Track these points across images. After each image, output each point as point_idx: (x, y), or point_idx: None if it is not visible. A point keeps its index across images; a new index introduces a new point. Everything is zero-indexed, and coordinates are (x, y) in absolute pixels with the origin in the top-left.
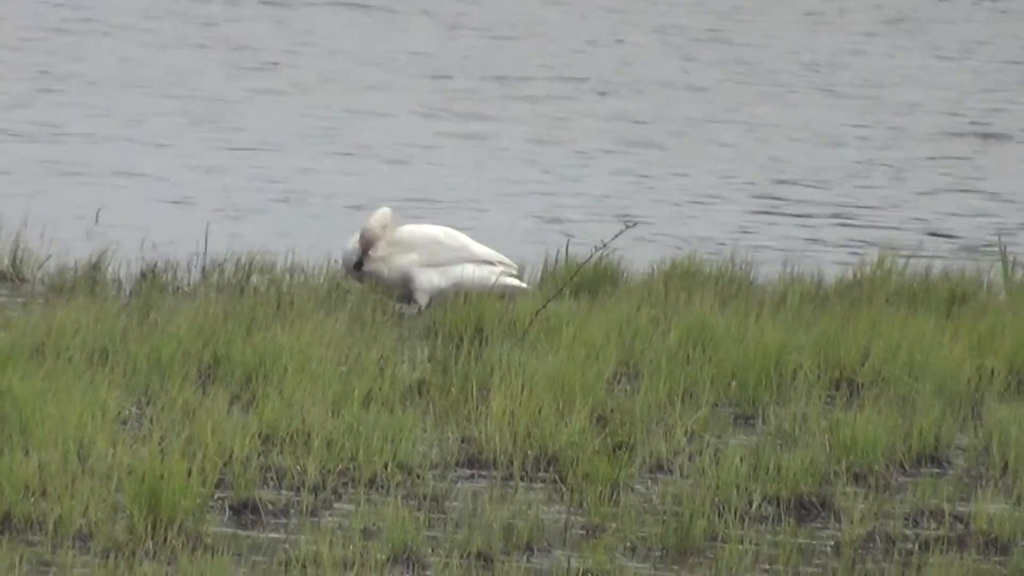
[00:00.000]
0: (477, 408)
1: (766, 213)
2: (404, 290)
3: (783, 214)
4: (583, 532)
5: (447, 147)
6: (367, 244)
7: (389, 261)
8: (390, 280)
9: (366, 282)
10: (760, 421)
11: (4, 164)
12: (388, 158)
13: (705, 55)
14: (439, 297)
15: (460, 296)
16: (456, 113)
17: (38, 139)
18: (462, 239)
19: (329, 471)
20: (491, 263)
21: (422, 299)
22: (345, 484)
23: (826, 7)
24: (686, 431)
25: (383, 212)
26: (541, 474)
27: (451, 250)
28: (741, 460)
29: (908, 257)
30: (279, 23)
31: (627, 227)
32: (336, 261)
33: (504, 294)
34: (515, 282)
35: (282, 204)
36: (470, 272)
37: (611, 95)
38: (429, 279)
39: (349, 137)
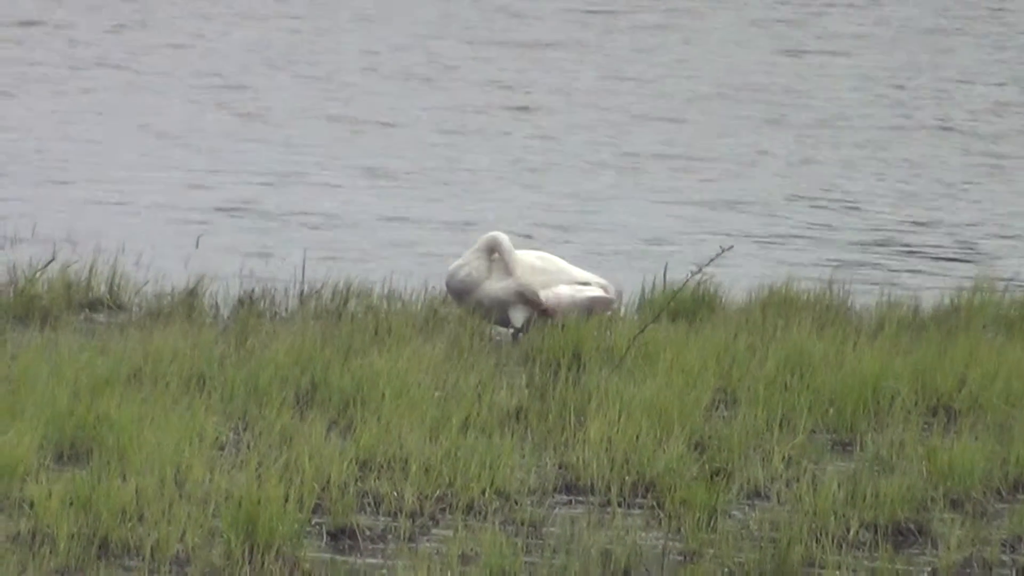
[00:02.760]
0: (575, 434)
1: (874, 245)
2: (502, 314)
3: (887, 246)
4: (681, 558)
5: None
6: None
7: (488, 286)
8: (492, 301)
9: (467, 304)
10: (857, 447)
11: (105, 186)
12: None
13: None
14: (537, 317)
15: (558, 319)
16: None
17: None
18: (559, 263)
19: (427, 497)
20: (588, 284)
21: (518, 321)
22: (443, 510)
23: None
24: (783, 457)
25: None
26: (639, 500)
27: (548, 273)
28: (838, 486)
29: (1007, 284)
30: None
31: (723, 250)
32: (433, 287)
33: (594, 309)
34: (603, 294)
35: (381, 232)
36: (562, 291)
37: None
38: (535, 288)
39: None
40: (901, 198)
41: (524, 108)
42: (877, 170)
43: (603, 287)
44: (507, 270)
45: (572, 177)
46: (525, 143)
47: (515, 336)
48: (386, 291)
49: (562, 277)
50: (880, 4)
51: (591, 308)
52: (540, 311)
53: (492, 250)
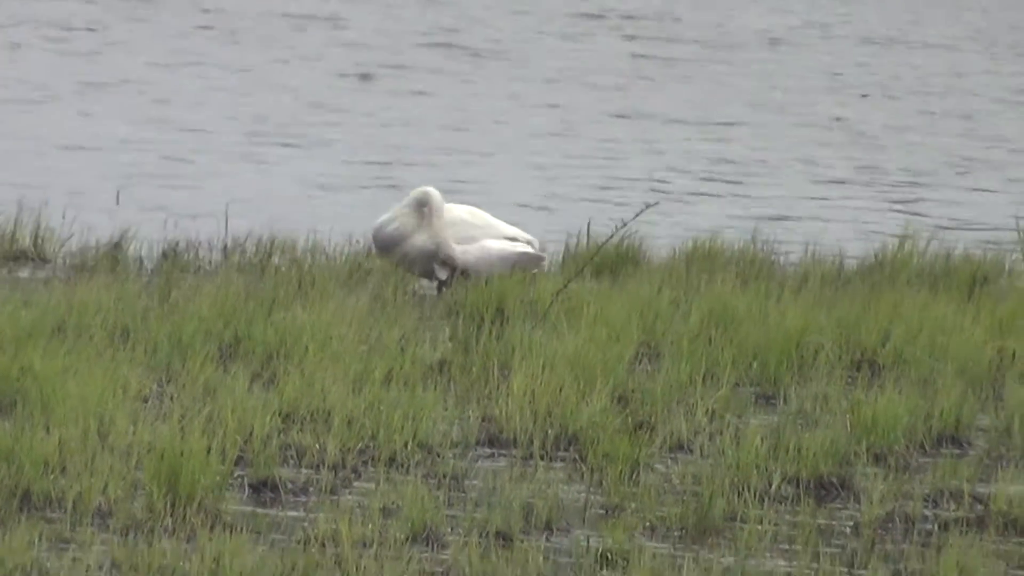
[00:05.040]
0: (498, 387)
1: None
2: (427, 267)
3: (813, 198)
4: (603, 512)
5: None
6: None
7: (414, 239)
8: (417, 254)
9: (392, 257)
10: (781, 401)
11: (23, 143)
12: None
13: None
14: (460, 271)
15: (482, 275)
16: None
17: (61, 118)
18: (486, 217)
19: (349, 450)
20: (515, 239)
21: (442, 274)
22: (365, 463)
23: None
24: (707, 411)
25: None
26: (561, 453)
27: (475, 227)
28: (761, 440)
29: (929, 239)
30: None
31: (647, 206)
32: (358, 241)
33: (524, 265)
34: (532, 251)
35: (305, 184)
36: (490, 246)
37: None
38: (455, 250)
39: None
40: (830, 149)
41: (468, 50)
42: (807, 133)
43: (530, 243)
44: (433, 226)
45: (500, 131)
46: (458, 98)
47: (440, 289)
48: (310, 245)
49: (490, 232)
50: None
51: (519, 264)
52: (460, 269)
53: (422, 205)
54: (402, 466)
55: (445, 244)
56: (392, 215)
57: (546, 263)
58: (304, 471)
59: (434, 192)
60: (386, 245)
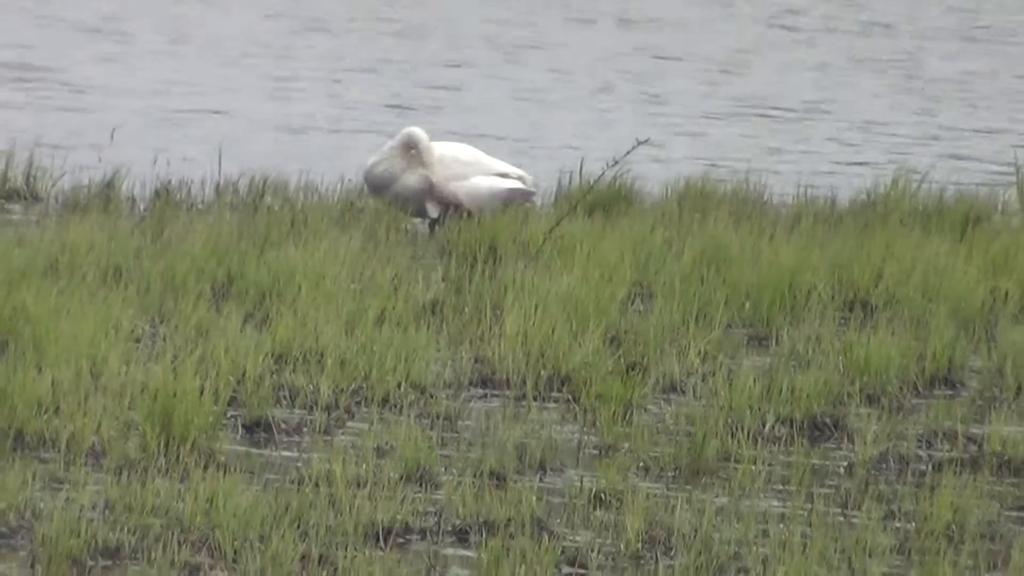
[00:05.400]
0: (490, 328)
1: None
2: (419, 204)
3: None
4: (596, 452)
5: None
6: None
7: (405, 179)
8: (408, 192)
9: (384, 196)
10: (774, 342)
11: (19, 83)
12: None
13: None
14: (451, 209)
15: (474, 213)
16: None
17: (53, 57)
18: (477, 155)
19: (342, 390)
20: (506, 175)
21: (434, 212)
22: (358, 403)
23: None
24: (699, 352)
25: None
26: (554, 394)
27: (466, 165)
28: (754, 381)
29: (922, 178)
30: None
31: (639, 143)
32: (350, 180)
33: (514, 201)
34: (522, 186)
35: (293, 124)
36: (481, 182)
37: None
38: (447, 188)
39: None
40: (818, 89)
41: None
42: (801, 68)
43: (521, 178)
44: (423, 165)
45: (499, 70)
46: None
47: (432, 228)
48: (303, 183)
49: (480, 169)
50: None
51: (510, 200)
52: (455, 207)
53: (410, 146)
54: (395, 406)
55: (437, 184)
56: (381, 156)
57: (537, 199)
58: (297, 411)
59: (420, 132)
60: (377, 186)
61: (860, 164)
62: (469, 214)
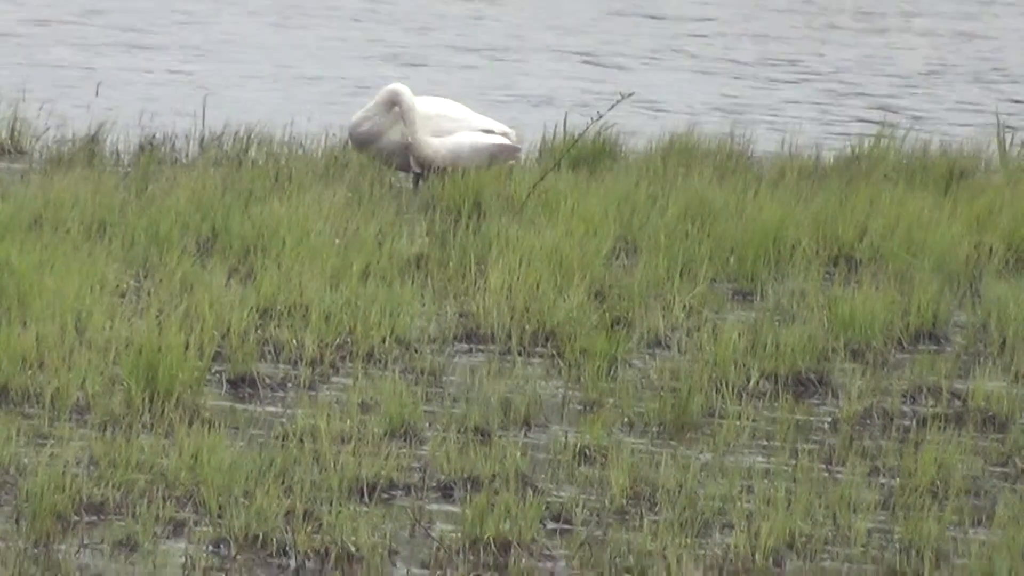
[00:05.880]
0: (475, 282)
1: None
2: (403, 159)
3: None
4: (581, 407)
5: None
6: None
7: (389, 135)
8: (394, 147)
9: (368, 152)
10: (758, 297)
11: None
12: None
13: None
14: (436, 164)
15: (459, 169)
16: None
17: (37, 8)
18: (461, 110)
19: (327, 345)
20: (491, 131)
21: (418, 167)
22: (343, 358)
23: None
24: (684, 307)
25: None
26: (539, 349)
27: (451, 120)
28: (739, 336)
29: (907, 132)
30: None
31: (623, 97)
32: (334, 135)
33: (499, 157)
34: (508, 142)
35: (280, 79)
36: (466, 138)
37: None
38: (430, 145)
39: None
40: (808, 44)
41: None
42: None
43: (506, 134)
44: (405, 123)
45: (476, 28)
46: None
47: (416, 182)
48: (287, 138)
49: (464, 125)
50: None
51: (496, 155)
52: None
53: (393, 103)
54: (380, 362)
55: (418, 143)
56: (366, 113)
57: (522, 155)
58: (282, 366)
59: (403, 89)
60: (362, 143)
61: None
62: (452, 170)
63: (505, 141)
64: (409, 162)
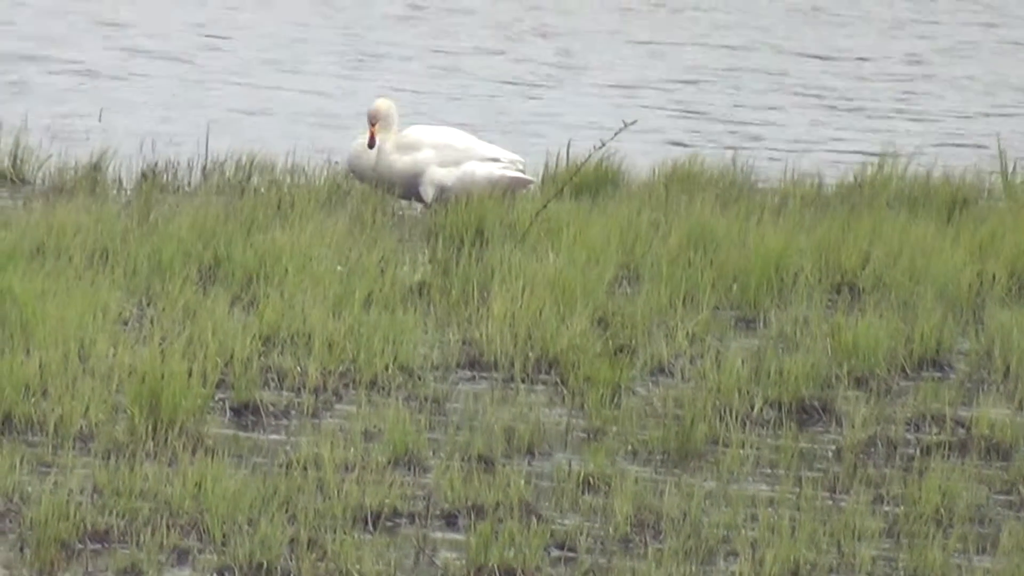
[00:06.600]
0: (478, 310)
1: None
2: (410, 188)
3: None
4: (584, 435)
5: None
6: (373, 119)
7: (399, 159)
8: (399, 177)
9: (369, 181)
10: (761, 324)
11: (6, 65)
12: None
13: None
14: (446, 194)
15: (464, 197)
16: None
17: (41, 39)
18: (470, 139)
19: (330, 373)
20: (498, 160)
21: (428, 194)
22: (346, 386)
23: None
24: (687, 334)
25: (387, 101)
26: (542, 376)
27: (459, 151)
28: (742, 363)
29: (910, 160)
30: None
31: (626, 125)
32: (337, 163)
33: (511, 188)
34: (521, 175)
35: (279, 109)
36: (477, 169)
37: None
38: (439, 175)
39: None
40: (804, 72)
41: None
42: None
43: (513, 163)
44: (385, 130)
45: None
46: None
47: (425, 209)
48: (289, 165)
49: (472, 154)
50: None
51: (507, 187)
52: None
53: (372, 121)
54: (383, 389)
55: (384, 152)
56: (364, 141)
57: (533, 185)
58: (285, 394)
59: (380, 104)
60: (361, 172)
61: (840, 141)
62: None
63: (517, 174)
64: (418, 191)
